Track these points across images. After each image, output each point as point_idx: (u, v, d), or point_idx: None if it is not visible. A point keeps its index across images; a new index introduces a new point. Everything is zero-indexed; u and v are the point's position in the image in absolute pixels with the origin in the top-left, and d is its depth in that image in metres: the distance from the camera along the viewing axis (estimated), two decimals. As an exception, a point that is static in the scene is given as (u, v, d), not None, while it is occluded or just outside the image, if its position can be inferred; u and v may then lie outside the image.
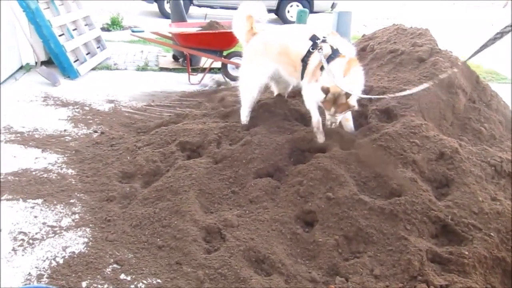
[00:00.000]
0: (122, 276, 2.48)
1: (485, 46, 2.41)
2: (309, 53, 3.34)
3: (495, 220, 2.73)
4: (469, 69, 4.14)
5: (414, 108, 3.53)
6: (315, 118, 3.43)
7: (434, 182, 3.07)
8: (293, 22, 12.41)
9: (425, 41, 4.22)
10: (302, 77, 3.46)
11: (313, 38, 3.36)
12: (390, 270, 2.52)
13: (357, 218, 2.74)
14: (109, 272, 2.50)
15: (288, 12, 13.73)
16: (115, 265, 2.56)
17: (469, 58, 2.64)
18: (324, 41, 3.31)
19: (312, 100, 3.41)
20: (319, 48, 3.26)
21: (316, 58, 3.29)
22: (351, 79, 3.12)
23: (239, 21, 3.79)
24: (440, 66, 3.82)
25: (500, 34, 2.30)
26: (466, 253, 2.53)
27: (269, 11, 13.96)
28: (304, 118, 3.80)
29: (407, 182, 2.92)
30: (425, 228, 2.72)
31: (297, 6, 13.39)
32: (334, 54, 3.23)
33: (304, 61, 3.37)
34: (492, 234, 2.65)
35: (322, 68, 3.22)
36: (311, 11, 13.33)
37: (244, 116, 3.80)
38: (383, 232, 2.69)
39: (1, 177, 3.38)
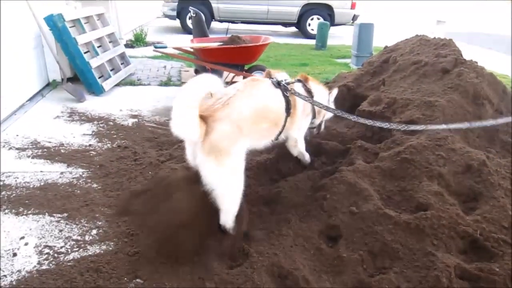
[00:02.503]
0: (145, 291, 2.49)
1: None
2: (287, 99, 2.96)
3: (527, 235, 2.63)
4: (495, 79, 4.05)
5: (439, 120, 3.45)
6: (309, 159, 3.45)
7: (461, 195, 2.97)
8: (314, 35, 12.44)
9: (449, 51, 4.15)
10: (283, 128, 3.01)
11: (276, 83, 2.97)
12: (417, 287, 2.42)
13: (382, 233, 2.67)
14: (132, 286, 2.51)
15: (309, 25, 13.76)
16: (138, 280, 2.56)
17: None
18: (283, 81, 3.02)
19: (303, 140, 3.32)
20: (290, 90, 2.98)
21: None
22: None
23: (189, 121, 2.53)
24: (466, 77, 3.75)
25: None
26: (497, 269, 2.44)
27: (290, 24, 14.23)
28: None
29: (433, 196, 2.84)
30: (453, 243, 2.62)
31: (318, 19, 13.41)
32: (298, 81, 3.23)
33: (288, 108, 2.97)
34: (524, 250, 2.55)
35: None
36: (332, 24, 13.34)
37: (232, 221, 2.76)
38: (409, 247, 2.60)
39: (29, 191, 3.45)
